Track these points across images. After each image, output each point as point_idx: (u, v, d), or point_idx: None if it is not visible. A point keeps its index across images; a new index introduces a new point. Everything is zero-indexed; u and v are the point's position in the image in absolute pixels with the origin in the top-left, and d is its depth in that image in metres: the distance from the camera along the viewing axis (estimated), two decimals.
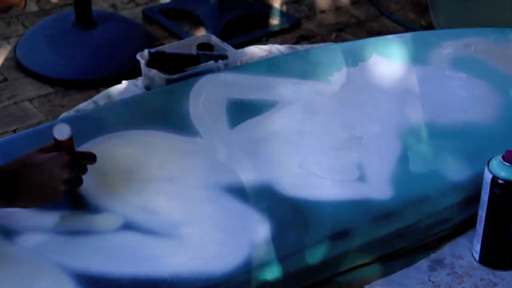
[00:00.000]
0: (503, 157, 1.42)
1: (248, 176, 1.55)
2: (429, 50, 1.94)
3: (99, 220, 1.45)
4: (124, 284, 1.34)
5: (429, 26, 3.36)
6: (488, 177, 1.42)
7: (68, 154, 1.42)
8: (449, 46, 1.96)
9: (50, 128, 1.71)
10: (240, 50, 2.00)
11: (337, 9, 3.60)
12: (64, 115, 1.79)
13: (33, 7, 3.51)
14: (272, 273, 1.39)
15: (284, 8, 3.58)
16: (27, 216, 1.45)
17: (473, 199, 1.50)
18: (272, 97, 1.77)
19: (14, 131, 2.84)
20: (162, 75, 1.85)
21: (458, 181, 1.56)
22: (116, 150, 1.61)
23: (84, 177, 1.47)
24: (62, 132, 1.44)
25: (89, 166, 1.47)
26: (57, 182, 1.39)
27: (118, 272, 1.36)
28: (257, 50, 2.03)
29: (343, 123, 1.70)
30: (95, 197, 1.49)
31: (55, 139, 1.45)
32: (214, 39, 1.99)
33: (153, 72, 1.86)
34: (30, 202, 1.41)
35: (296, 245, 1.42)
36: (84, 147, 1.60)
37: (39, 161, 1.40)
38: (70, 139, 1.45)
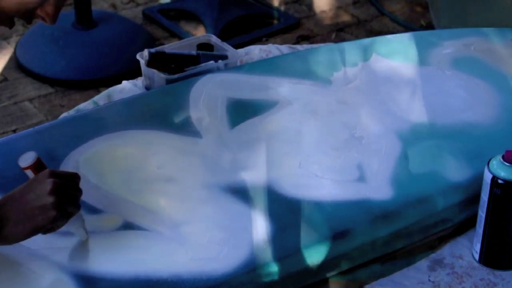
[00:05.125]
0: (503, 157, 1.42)
1: (248, 176, 1.55)
2: (429, 50, 1.94)
3: (99, 220, 1.45)
4: (124, 284, 1.34)
5: (429, 26, 3.36)
6: (488, 177, 1.42)
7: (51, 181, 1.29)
8: (449, 46, 1.96)
9: (51, 127, 1.71)
10: (240, 50, 2.00)
11: (337, 9, 3.59)
12: (64, 115, 1.79)
13: None
14: (272, 273, 1.39)
15: (284, 8, 3.58)
16: None
17: (473, 199, 1.50)
18: (272, 97, 1.77)
19: (14, 131, 2.83)
20: (162, 75, 1.85)
21: (458, 181, 1.56)
22: (116, 150, 1.61)
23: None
24: (26, 158, 1.33)
25: (88, 166, 1.47)
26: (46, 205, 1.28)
27: (118, 272, 1.36)
28: (257, 50, 2.03)
29: (343, 123, 1.70)
30: (95, 197, 1.49)
31: (22, 168, 1.34)
32: (214, 39, 1.98)
33: (153, 72, 1.86)
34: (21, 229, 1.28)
35: (296, 245, 1.42)
36: (84, 147, 1.60)
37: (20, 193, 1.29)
38: (37, 162, 1.34)
